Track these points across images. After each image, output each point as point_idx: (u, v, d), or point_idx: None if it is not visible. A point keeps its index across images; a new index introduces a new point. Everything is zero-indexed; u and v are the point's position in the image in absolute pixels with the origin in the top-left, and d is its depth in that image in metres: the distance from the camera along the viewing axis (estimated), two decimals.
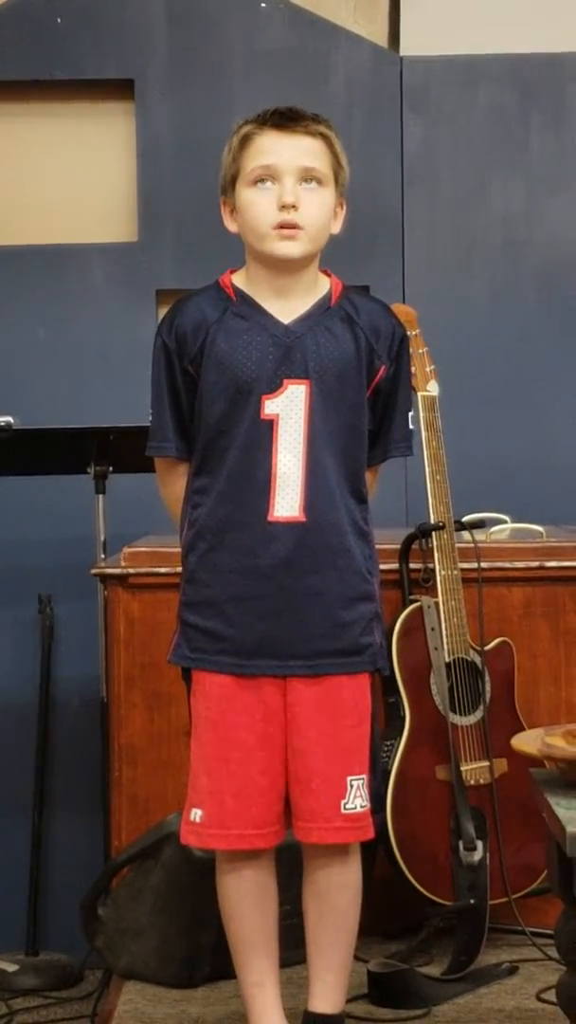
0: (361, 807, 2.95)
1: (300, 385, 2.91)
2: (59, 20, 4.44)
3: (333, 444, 2.93)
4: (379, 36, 4.56)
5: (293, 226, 2.86)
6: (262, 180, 2.88)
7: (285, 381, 2.91)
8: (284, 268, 2.91)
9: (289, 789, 2.95)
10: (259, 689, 2.92)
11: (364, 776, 2.96)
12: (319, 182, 2.89)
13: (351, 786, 2.94)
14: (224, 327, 2.92)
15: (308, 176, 2.88)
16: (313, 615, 2.92)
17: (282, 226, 2.86)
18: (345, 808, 2.94)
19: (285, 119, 2.89)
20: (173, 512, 3.06)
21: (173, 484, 3.03)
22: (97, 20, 4.45)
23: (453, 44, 4.45)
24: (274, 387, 2.91)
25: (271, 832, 2.95)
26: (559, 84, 4.48)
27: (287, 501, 2.90)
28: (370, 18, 4.58)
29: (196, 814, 2.95)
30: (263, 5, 4.45)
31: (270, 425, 2.90)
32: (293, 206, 2.86)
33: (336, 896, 2.99)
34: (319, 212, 2.89)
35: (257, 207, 2.88)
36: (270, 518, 2.90)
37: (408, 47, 4.48)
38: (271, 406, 2.91)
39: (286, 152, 2.87)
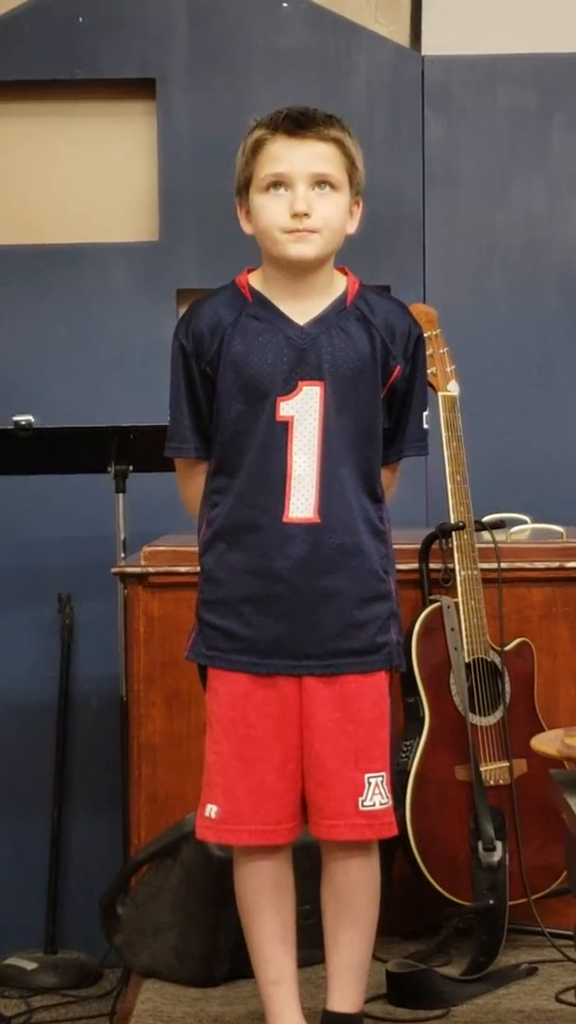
0: (381, 804, 2.95)
1: (315, 387, 2.91)
2: (81, 20, 4.44)
3: (348, 445, 2.93)
4: (400, 35, 4.55)
5: (305, 231, 2.86)
6: (275, 186, 2.88)
7: (299, 383, 2.91)
8: (299, 269, 2.91)
9: (305, 787, 2.95)
10: (275, 687, 2.93)
11: (384, 773, 2.96)
12: (332, 187, 2.88)
13: (369, 783, 2.94)
14: (240, 329, 2.93)
15: (321, 181, 2.88)
16: (328, 615, 2.92)
17: (295, 231, 2.86)
18: (363, 805, 2.94)
19: (297, 125, 2.87)
20: (192, 511, 3.07)
21: (193, 484, 3.03)
22: (118, 20, 4.45)
23: (474, 43, 4.44)
24: (289, 389, 2.91)
25: (287, 828, 2.95)
26: None
27: (302, 502, 2.91)
28: (392, 17, 4.57)
29: (211, 810, 2.96)
30: (284, 5, 4.45)
31: (285, 427, 2.91)
32: (305, 214, 2.86)
33: (354, 893, 2.99)
34: (333, 215, 2.89)
35: (270, 213, 2.88)
36: (285, 519, 2.91)
37: (429, 46, 4.48)
38: (286, 408, 2.91)
39: (298, 160, 2.86)
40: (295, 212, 2.85)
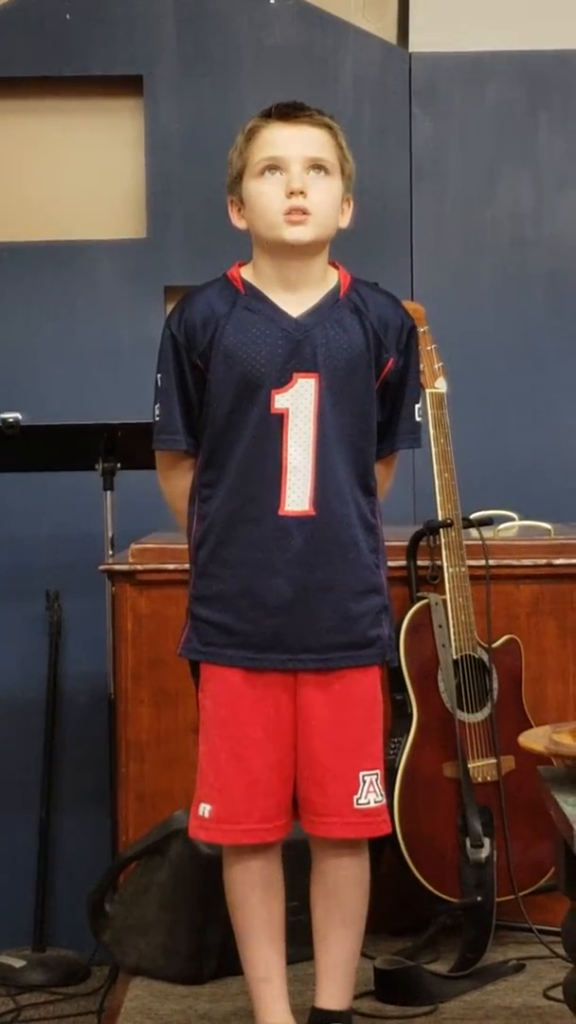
0: (375, 802, 2.95)
1: (309, 379, 2.91)
2: (68, 17, 4.44)
3: (342, 437, 2.93)
4: (388, 32, 4.56)
5: (302, 211, 2.86)
6: (270, 170, 2.88)
7: (294, 375, 2.91)
8: (294, 255, 2.91)
9: (299, 784, 2.95)
10: (269, 685, 2.93)
11: (377, 771, 2.97)
12: (326, 171, 2.90)
13: (363, 781, 2.94)
14: (233, 321, 2.92)
15: (315, 165, 2.89)
16: (323, 609, 2.92)
17: (291, 211, 2.86)
18: (357, 804, 2.94)
19: (291, 109, 2.91)
20: (176, 508, 3.06)
21: (178, 479, 3.02)
22: (106, 17, 4.45)
23: (462, 41, 4.45)
24: (284, 381, 2.91)
25: (279, 826, 2.95)
26: (567, 81, 4.48)
27: (297, 495, 2.91)
28: (379, 14, 4.57)
29: (205, 809, 2.95)
30: (272, 1, 4.45)
31: (280, 419, 2.91)
32: (301, 192, 2.86)
33: (344, 891, 2.99)
34: (327, 198, 2.90)
35: (265, 196, 2.88)
36: (281, 512, 2.90)
37: (417, 44, 4.48)
38: (281, 400, 2.91)
39: (292, 142, 2.88)
40: (291, 190, 2.86)
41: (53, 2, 4.45)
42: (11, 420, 3.95)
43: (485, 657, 3.60)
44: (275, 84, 4.34)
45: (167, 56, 4.45)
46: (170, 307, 4.29)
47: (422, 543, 3.68)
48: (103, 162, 4.53)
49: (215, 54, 4.45)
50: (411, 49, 4.48)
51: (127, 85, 4.50)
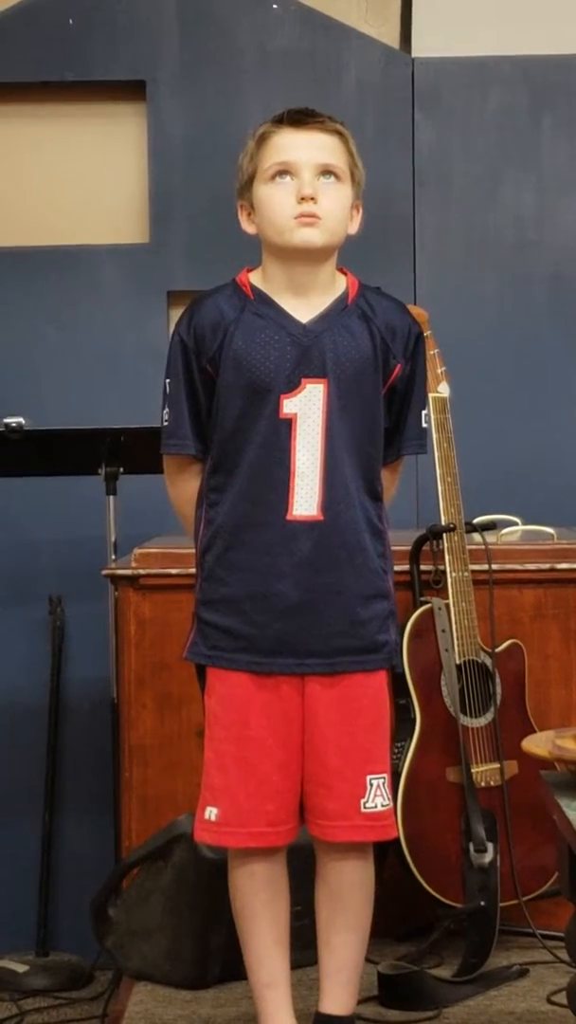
0: (382, 806, 2.96)
1: (318, 384, 2.92)
2: (71, 22, 4.44)
3: (350, 442, 2.93)
4: (391, 37, 4.56)
5: (312, 215, 2.87)
6: (280, 175, 2.89)
7: (303, 380, 2.92)
8: (304, 260, 2.91)
9: (305, 788, 2.95)
10: (276, 688, 2.93)
11: (384, 775, 2.97)
12: (336, 177, 2.91)
13: (371, 785, 2.95)
14: (242, 326, 2.93)
15: (326, 171, 2.90)
16: (331, 613, 2.92)
17: (301, 216, 2.86)
18: (365, 807, 2.94)
19: (302, 116, 2.92)
20: (182, 513, 3.06)
21: (186, 483, 3.03)
22: (109, 22, 4.45)
23: (465, 45, 4.45)
24: (292, 386, 2.91)
25: (286, 830, 2.96)
26: (570, 85, 4.48)
27: (305, 500, 2.91)
28: (382, 19, 4.58)
29: (211, 812, 2.95)
30: (275, 6, 4.45)
31: (288, 424, 2.91)
32: (312, 198, 2.87)
33: (349, 895, 2.99)
34: (337, 204, 2.90)
35: (276, 200, 2.89)
36: (289, 517, 2.91)
37: (420, 48, 4.48)
38: (289, 405, 2.91)
39: (304, 148, 2.89)
40: (302, 196, 2.87)
41: (56, 7, 4.45)
42: (14, 424, 3.95)
43: (488, 662, 3.60)
44: (278, 89, 4.34)
45: (170, 61, 4.45)
46: (173, 312, 4.32)
47: (425, 548, 3.68)
48: (106, 167, 4.53)
49: (218, 59, 4.45)
50: (414, 54, 4.48)
51: (130, 90, 4.50)
